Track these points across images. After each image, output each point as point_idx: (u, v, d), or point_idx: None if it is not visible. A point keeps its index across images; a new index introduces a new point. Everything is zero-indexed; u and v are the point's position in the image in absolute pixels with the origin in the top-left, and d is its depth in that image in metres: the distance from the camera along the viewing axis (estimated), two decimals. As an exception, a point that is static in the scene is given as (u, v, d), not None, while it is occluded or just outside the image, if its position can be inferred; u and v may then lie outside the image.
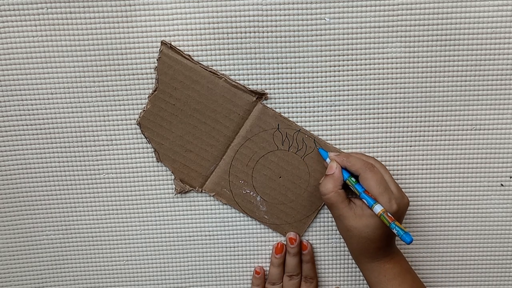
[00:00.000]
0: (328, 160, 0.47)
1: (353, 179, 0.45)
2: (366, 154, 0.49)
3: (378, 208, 0.42)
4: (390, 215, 0.42)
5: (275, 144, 0.49)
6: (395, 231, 0.41)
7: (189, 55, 0.47)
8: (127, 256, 0.53)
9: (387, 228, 0.43)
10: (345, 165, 0.46)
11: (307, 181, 0.50)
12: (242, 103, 0.48)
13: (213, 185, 0.50)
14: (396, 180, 0.51)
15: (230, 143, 0.49)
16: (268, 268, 0.53)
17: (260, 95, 0.48)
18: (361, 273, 0.47)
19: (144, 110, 0.48)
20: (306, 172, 0.50)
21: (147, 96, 0.48)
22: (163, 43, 0.46)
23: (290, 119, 0.49)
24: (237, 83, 0.48)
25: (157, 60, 0.47)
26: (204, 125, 0.48)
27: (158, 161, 0.49)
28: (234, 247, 0.53)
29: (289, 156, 0.49)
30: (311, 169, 0.50)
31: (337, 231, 0.52)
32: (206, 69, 0.47)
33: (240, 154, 0.49)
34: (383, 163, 0.50)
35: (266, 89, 0.48)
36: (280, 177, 0.50)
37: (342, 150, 0.50)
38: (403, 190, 0.51)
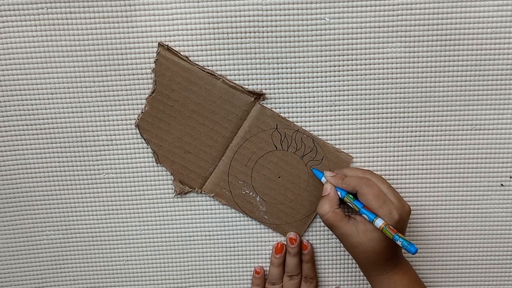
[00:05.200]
0: (323, 179, 0.48)
1: (351, 196, 0.45)
2: (362, 168, 0.50)
3: (379, 222, 0.43)
4: (392, 228, 0.42)
5: (274, 144, 0.49)
6: (399, 243, 0.42)
7: (186, 56, 0.47)
8: (127, 256, 0.53)
9: (391, 239, 0.43)
10: (341, 187, 0.46)
11: (306, 181, 0.50)
12: (240, 103, 0.48)
13: (213, 186, 0.50)
14: (396, 180, 0.51)
15: (228, 144, 0.49)
16: (268, 268, 0.53)
17: (258, 96, 0.48)
18: (365, 278, 0.48)
19: (142, 112, 0.48)
20: (305, 172, 0.50)
21: (146, 96, 0.48)
22: (160, 44, 0.46)
23: (290, 119, 0.49)
24: (235, 83, 0.48)
25: (154, 62, 0.47)
26: (203, 126, 0.48)
27: (157, 163, 0.49)
28: (234, 247, 0.53)
29: (288, 156, 0.49)
30: (310, 169, 0.50)
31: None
32: (203, 70, 0.47)
33: (239, 154, 0.50)
34: (383, 163, 0.50)
35: (265, 89, 0.48)
36: (279, 177, 0.50)
37: (342, 150, 0.50)
38: (403, 190, 0.51)
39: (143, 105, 0.48)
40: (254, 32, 0.46)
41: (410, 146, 0.50)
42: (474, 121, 0.49)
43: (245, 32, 0.46)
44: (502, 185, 0.51)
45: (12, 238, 0.52)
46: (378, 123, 0.49)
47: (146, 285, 0.53)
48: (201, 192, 0.51)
